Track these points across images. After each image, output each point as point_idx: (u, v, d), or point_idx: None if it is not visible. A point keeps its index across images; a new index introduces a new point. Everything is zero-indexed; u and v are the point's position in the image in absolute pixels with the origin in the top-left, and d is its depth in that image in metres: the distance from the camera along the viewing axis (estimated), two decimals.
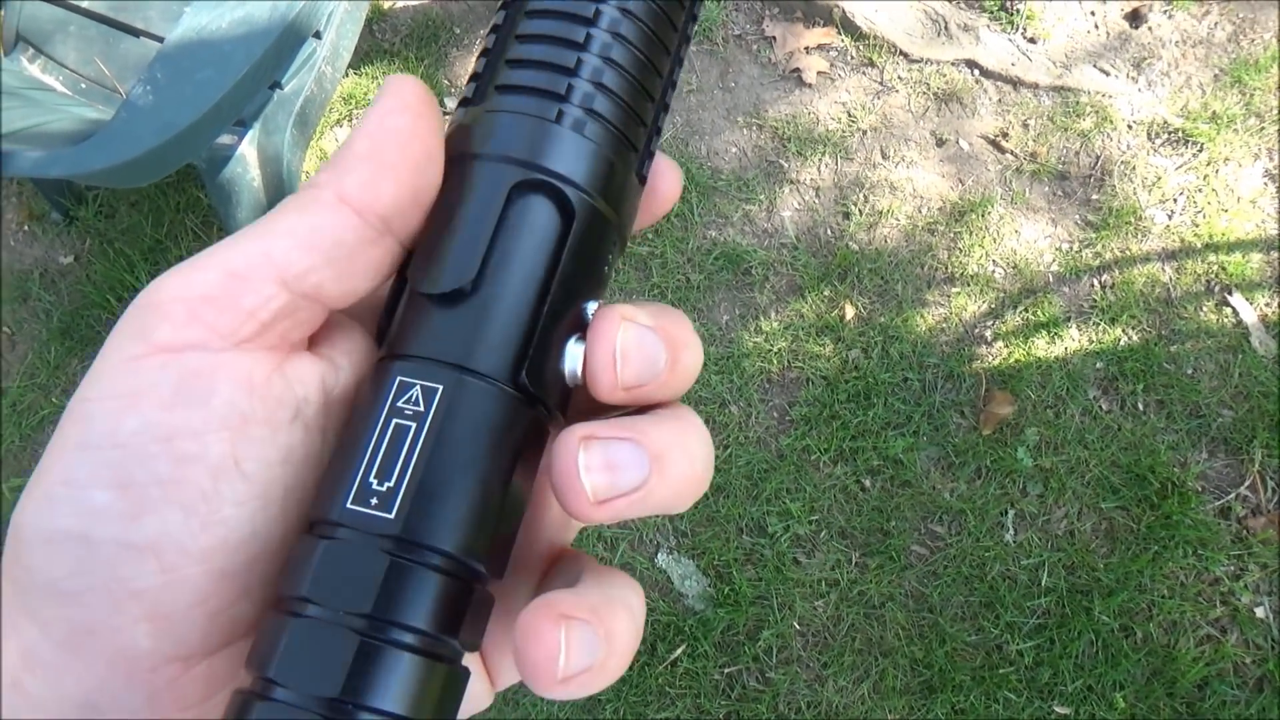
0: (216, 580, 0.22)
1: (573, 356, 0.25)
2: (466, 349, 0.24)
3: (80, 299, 1.80)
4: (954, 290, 1.76)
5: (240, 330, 0.23)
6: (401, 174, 0.24)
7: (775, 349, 1.72)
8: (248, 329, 0.23)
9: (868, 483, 1.66)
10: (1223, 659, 1.54)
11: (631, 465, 0.23)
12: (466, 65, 1.92)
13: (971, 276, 1.77)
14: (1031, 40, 1.91)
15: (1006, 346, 1.72)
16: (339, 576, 0.21)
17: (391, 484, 0.22)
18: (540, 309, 0.24)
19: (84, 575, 0.21)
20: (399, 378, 0.23)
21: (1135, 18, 1.93)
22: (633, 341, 0.24)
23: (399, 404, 0.23)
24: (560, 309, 0.25)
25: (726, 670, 1.57)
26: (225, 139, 1.46)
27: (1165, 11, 1.94)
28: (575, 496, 0.23)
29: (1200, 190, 1.82)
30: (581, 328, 0.26)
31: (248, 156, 1.49)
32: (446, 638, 0.22)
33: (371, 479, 0.22)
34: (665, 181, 0.29)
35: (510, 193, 0.25)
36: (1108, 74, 1.90)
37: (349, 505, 0.22)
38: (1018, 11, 1.92)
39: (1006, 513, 1.63)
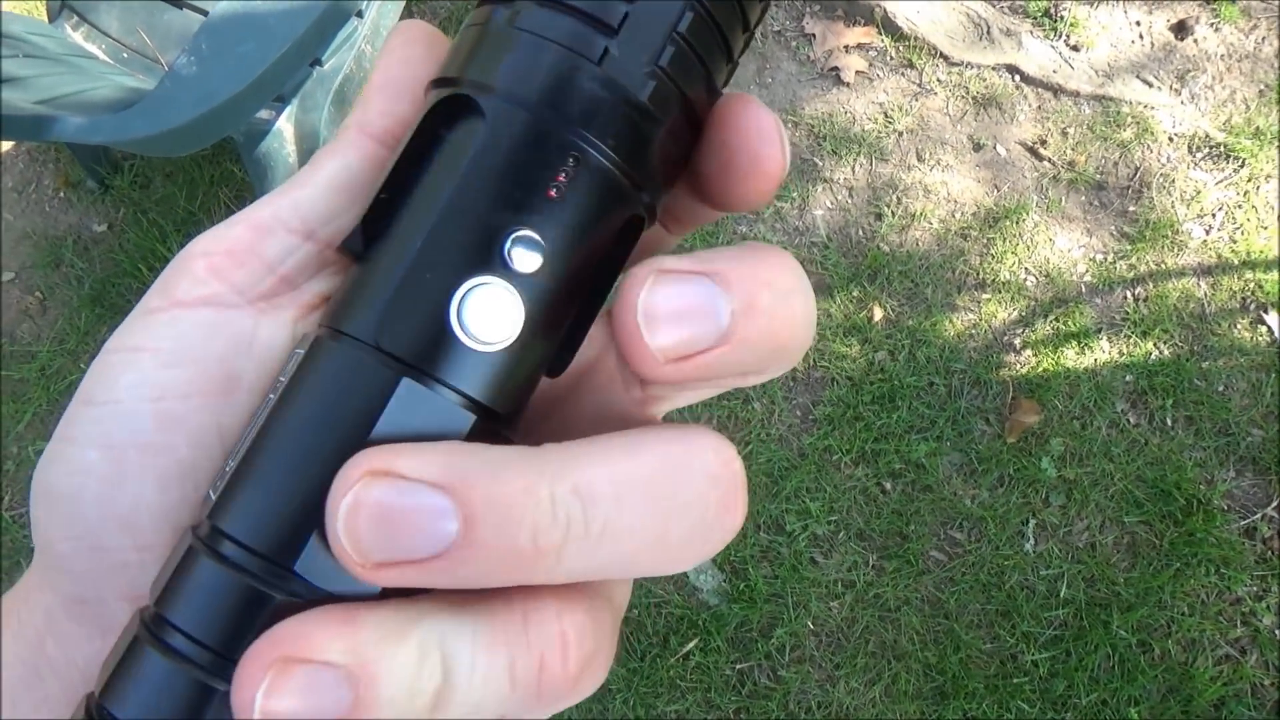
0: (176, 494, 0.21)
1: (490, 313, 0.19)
2: (335, 310, 0.20)
3: (112, 267, 1.82)
4: (984, 296, 1.75)
5: (259, 284, 0.22)
6: (419, 94, 0.22)
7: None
8: (267, 283, 0.22)
9: (888, 485, 1.65)
10: (1241, 679, 1.52)
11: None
12: None
13: (1003, 283, 1.76)
14: (1075, 48, 1.89)
15: (1035, 355, 1.71)
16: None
17: None
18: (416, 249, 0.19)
19: (73, 539, 0.20)
20: (296, 349, 0.21)
21: (1181, 29, 1.91)
22: (664, 294, 0.19)
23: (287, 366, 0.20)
24: (449, 240, 0.19)
25: (738, 666, 1.56)
26: (263, 114, 1.47)
27: (1212, 24, 1.92)
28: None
29: (1240, 206, 1.80)
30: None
31: (285, 132, 1.50)
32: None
33: None
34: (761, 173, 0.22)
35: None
36: (1150, 85, 1.88)
37: None
38: (1062, 18, 1.90)
39: (1028, 522, 1.62)
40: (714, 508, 0.18)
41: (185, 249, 0.22)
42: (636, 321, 0.18)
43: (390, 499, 0.16)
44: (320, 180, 0.22)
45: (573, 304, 0.20)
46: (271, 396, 0.20)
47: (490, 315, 0.19)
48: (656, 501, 0.18)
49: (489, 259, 0.19)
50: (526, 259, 0.19)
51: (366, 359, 0.19)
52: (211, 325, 0.21)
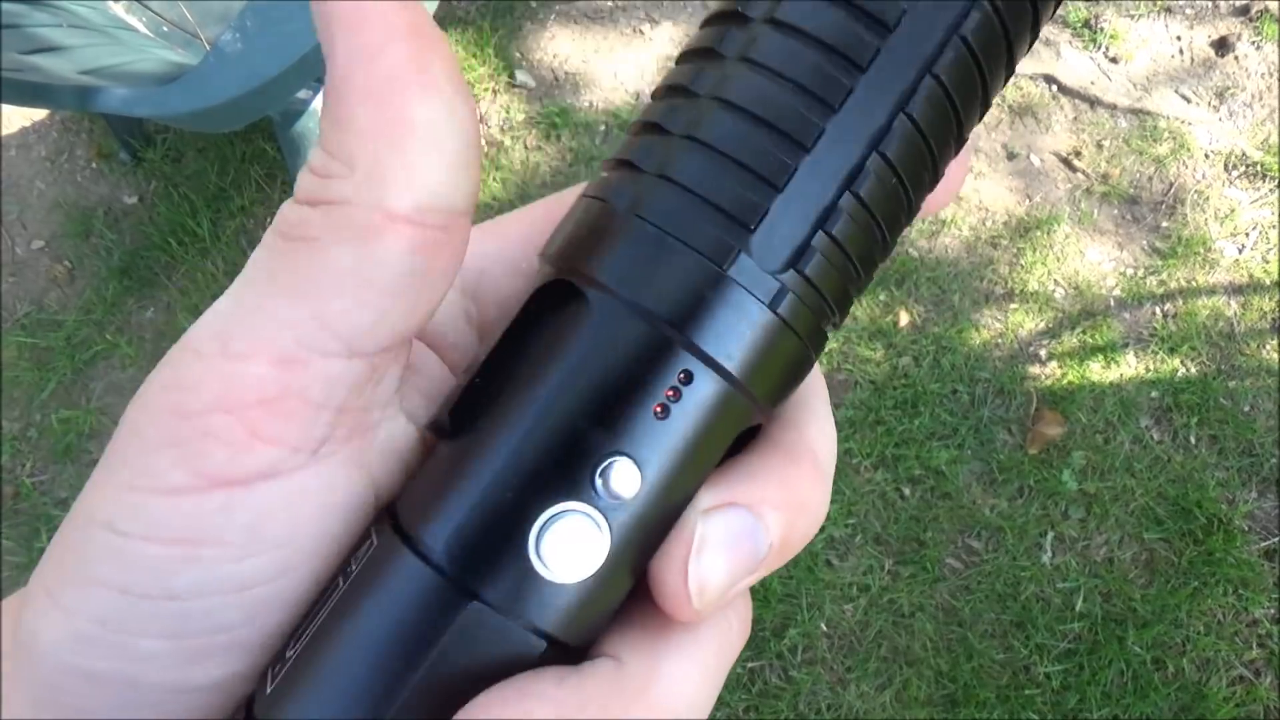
0: (261, 659, 0.20)
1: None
2: (408, 506, 0.19)
3: (141, 239, 1.83)
4: (1012, 306, 1.74)
5: (313, 433, 0.18)
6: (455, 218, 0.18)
7: (825, 349, 1.71)
8: (321, 428, 0.18)
9: (907, 491, 1.65)
10: (1254, 701, 1.52)
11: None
12: (540, 40, 1.92)
13: (1031, 294, 1.75)
14: (1113, 60, 1.88)
15: (1061, 367, 1.70)
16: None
17: None
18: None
19: (128, 709, 0.18)
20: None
21: (1222, 46, 1.89)
22: (716, 550, 0.18)
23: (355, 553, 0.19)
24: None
25: (749, 665, 1.56)
26: (301, 93, 1.47)
27: (1254, 42, 1.90)
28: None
29: (1274, 226, 1.78)
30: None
31: (320, 112, 1.50)
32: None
33: None
34: (949, 181, 0.21)
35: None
36: (1189, 100, 1.86)
37: None
38: (1102, 30, 1.89)
39: (1046, 534, 1.62)
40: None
41: (182, 386, 0.18)
42: (687, 591, 0.18)
43: None
44: (347, 283, 0.17)
45: (666, 529, 0.18)
46: (341, 583, 0.18)
47: (572, 547, 0.17)
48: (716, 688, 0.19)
49: (578, 484, 0.17)
50: (621, 485, 0.17)
51: (432, 580, 0.17)
52: (287, 500, 0.18)
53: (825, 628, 1.58)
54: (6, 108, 1.88)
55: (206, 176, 1.85)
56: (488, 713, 0.17)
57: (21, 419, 1.75)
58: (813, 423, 0.20)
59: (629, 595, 0.19)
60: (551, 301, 0.18)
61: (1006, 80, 0.18)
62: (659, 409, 0.17)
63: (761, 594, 1.58)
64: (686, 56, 0.18)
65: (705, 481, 0.18)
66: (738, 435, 0.19)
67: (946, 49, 0.16)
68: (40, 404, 1.75)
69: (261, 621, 0.19)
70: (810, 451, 0.20)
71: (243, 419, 0.17)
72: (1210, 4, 1.93)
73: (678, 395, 0.17)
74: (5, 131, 1.91)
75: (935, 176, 0.18)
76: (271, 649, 0.19)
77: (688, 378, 0.17)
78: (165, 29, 1.61)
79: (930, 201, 0.20)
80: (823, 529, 1.61)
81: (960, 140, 0.18)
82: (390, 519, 0.19)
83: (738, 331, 0.17)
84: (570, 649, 0.18)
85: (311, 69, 1.27)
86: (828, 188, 0.16)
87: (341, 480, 0.19)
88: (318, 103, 1.49)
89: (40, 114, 1.94)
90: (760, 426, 0.19)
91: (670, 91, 0.18)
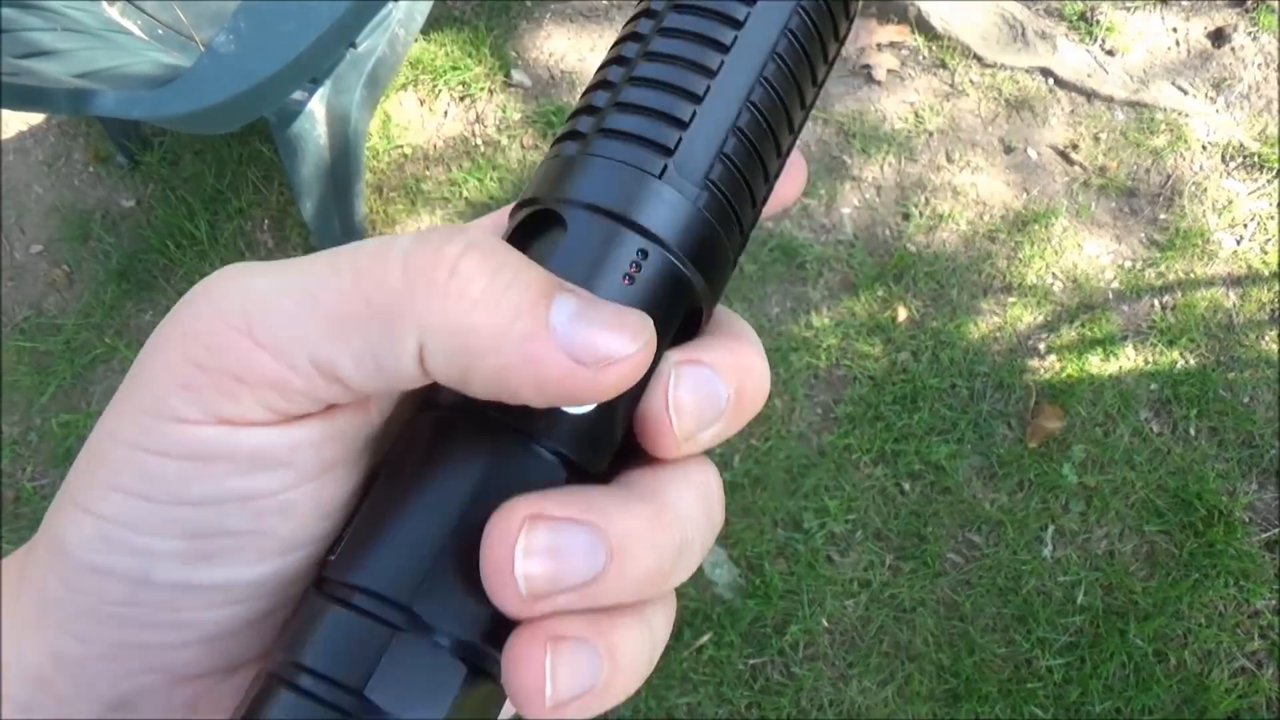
0: (275, 600, 0.22)
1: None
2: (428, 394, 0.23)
3: (140, 243, 1.83)
4: (1010, 300, 1.74)
5: (317, 408, 0.21)
6: None
7: (824, 345, 1.71)
8: (313, 409, 0.21)
9: (907, 486, 1.64)
10: (1256, 693, 1.52)
11: (580, 555, 0.20)
12: (536, 38, 1.92)
13: (1029, 287, 1.75)
14: (1110, 52, 1.88)
15: (1060, 361, 1.70)
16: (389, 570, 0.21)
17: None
18: None
19: (138, 607, 0.21)
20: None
21: (1219, 37, 1.89)
22: (688, 388, 0.22)
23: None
24: None
25: (751, 661, 1.56)
26: (296, 94, 1.47)
27: (1250, 33, 1.90)
28: (504, 590, 0.19)
29: (1272, 217, 1.78)
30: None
31: (316, 113, 1.50)
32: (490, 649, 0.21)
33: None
34: (790, 184, 0.27)
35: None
36: (1186, 92, 1.86)
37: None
38: (1098, 22, 1.89)
39: (1046, 528, 1.62)
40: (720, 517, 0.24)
41: (193, 352, 0.20)
42: (669, 417, 0.22)
43: (551, 540, 0.19)
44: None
45: (646, 376, 0.23)
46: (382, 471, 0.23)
47: None
48: (712, 521, 0.23)
49: None
50: None
51: (475, 422, 0.22)
52: (283, 438, 0.20)
53: (826, 624, 1.58)
54: (4, 112, 1.88)
55: (204, 179, 1.85)
56: (514, 512, 0.19)
57: (22, 423, 1.75)
58: (743, 326, 0.25)
59: (621, 461, 0.23)
60: (531, 230, 0.24)
61: (829, 62, 0.26)
62: (626, 280, 0.22)
63: (762, 590, 1.58)
64: (605, 64, 0.26)
65: (668, 346, 0.23)
66: (686, 312, 0.24)
67: (781, 39, 0.24)
68: (40, 408, 1.75)
69: (267, 528, 0.21)
70: (746, 332, 0.24)
71: (254, 392, 0.20)
72: None
73: (639, 268, 0.23)
74: (3, 136, 1.91)
75: (791, 129, 0.26)
76: (276, 556, 0.21)
77: (644, 255, 0.23)
78: (160, 31, 1.61)
79: (782, 194, 0.27)
80: (822, 524, 1.61)
81: (803, 105, 0.26)
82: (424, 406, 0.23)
83: (673, 219, 0.23)
84: (589, 477, 0.23)
85: (306, 70, 1.27)
86: (720, 125, 0.24)
87: (346, 425, 0.22)
88: (314, 104, 1.49)
89: (37, 118, 1.94)
90: (702, 317, 0.25)
91: (594, 86, 0.25)
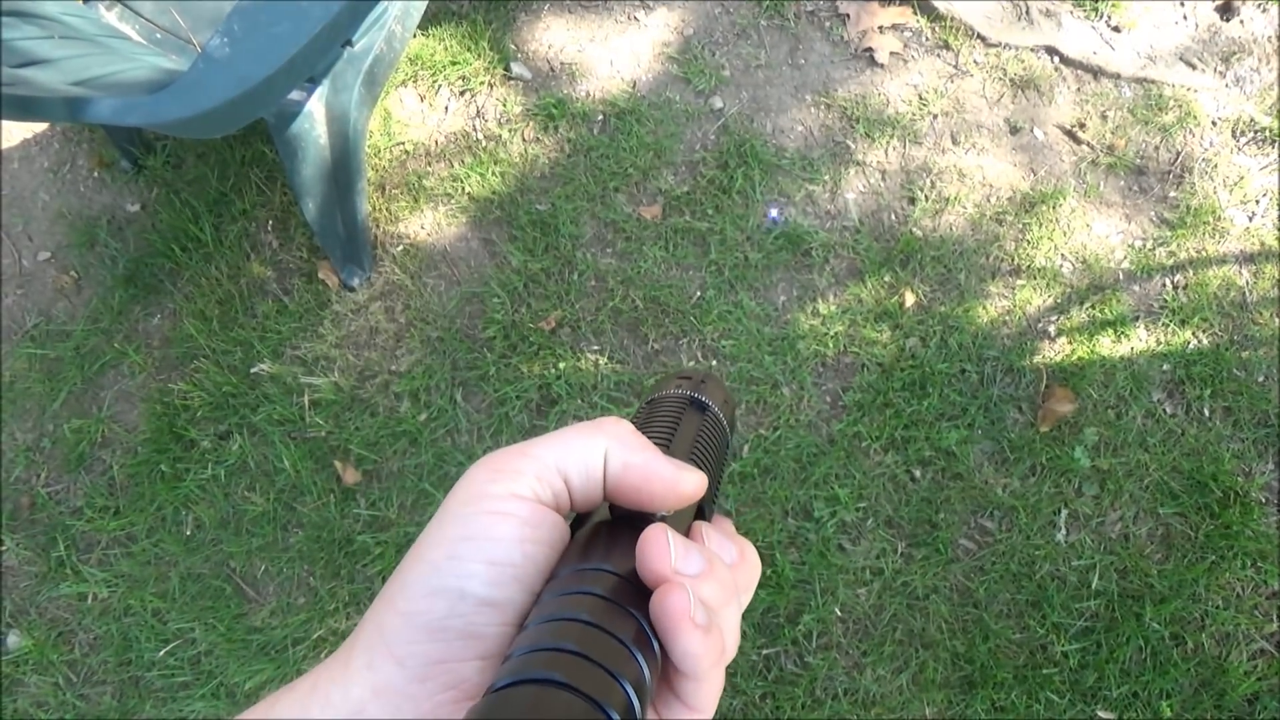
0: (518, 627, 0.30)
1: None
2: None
3: (145, 247, 1.83)
4: (1019, 283, 1.72)
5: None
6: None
7: (831, 332, 1.70)
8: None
9: (918, 473, 1.63)
10: (1275, 675, 1.50)
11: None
12: (534, 31, 1.91)
13: (1038, 269, 1.73)
14: (1116, 29, 1.85)
15: (1070, 343, 1.68)
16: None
17: None
18: None
19: (452, 618, 0.29)
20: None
21: (1227, 11, 1.86)
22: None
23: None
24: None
25: (764, 652, 1.56)
26: (294, 95, 1.46)
27: (1259, 6, 1.87)
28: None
29: None
30: None
31: (315, 113, 1.50)
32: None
33: None
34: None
35: None
36: (1194, 68, 1.83)
37: None
38: None
39: (1060, 512, 1.60)
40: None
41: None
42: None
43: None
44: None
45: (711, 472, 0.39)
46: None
47: None
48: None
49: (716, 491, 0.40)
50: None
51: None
52: (542, 513, 0.31)
53: (840, 613, 1.57)
54: (7, 122, 1.88)
55: (207, 181, 1.85)
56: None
57: (34, 430, 1.77)
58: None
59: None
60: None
61: (727, 444, 0.43)
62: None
63: (775, 581, 1.57)
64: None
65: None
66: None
67: (702, 427, 0.40)
68: (52, 414, 1.76)
69: (533, 561, 0.30)
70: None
71: (522, 505, 0.31)
72: None
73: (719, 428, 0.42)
74: (7, 145, 1.92)
75: (720, 462, 0.41)
76: (530, 583, 0.30)
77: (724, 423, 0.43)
78: (158, 35, 1.61)
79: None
80: (833, 513, 1.60)
81: (720, 462, 0.41)
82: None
83: (725, 418, 0.43)
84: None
85: (301, 71, 1.26)
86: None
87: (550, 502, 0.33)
88: (313, 104, 1.49)
89: (41, 126, 1.94)
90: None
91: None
